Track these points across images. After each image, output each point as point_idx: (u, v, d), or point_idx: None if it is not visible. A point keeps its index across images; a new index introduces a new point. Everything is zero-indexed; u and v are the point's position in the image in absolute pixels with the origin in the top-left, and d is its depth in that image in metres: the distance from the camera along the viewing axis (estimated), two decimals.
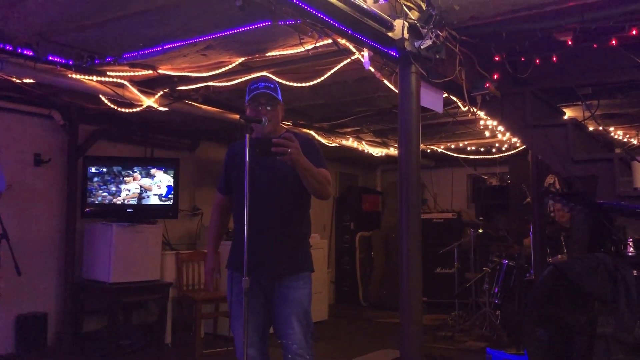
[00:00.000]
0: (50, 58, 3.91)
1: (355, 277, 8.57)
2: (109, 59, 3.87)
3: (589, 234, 3.98)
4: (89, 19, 3.28)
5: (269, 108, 2.65)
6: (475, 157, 7.56)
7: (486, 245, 6.91)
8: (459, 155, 7.44)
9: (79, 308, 5.41)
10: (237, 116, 5.53)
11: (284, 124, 3.15)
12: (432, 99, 3.80)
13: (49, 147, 5.43)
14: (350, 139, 6.95)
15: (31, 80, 4.20)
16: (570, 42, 3.62)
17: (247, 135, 2.37)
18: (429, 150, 7.57)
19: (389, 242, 8.34)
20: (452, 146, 7.45)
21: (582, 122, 4.68)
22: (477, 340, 5.80)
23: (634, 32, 3.25)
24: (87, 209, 5.44)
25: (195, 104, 5.15)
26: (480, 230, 6.76)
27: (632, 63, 3.81)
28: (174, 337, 5.69)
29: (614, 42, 3.50)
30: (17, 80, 4.16)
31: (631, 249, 4.53)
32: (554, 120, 4.40)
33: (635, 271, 4.53)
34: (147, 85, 4.70)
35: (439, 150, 7.55)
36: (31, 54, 3.80)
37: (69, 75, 4.20)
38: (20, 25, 3.33)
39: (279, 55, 3.90)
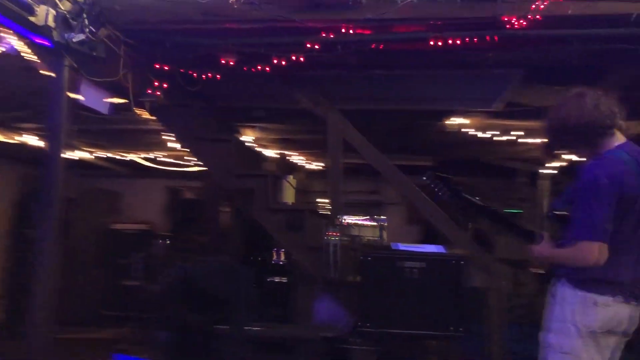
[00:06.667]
0: None
1: None
2: None
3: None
4: None
5: None
6: (170, 169, 7.54)
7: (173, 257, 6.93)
8: (154, 166, 7.35)
9: None
10: None
11: None
12: (94, 99, 3.69)
13: None
14: None
15: None
16: (232, 64, 3.87)
17: None
18: (128, 158, 7.29)
19: None
20: (153, 156, 7.30)
21: (253, 142, 5.08)
22: None
23: (275, 62, 3.63)
24: None
25: None
26: (168, 242, 6.78)
27: (283, 91, 4.26)
28: None
29: (267, 69, 3.82)
30: None
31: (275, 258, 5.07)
32: (218, 135, 4.61)
33: (277, 278, 5.10)
34: None
35: (136, 159, 7.33)
36: None
37: None
38: None
39: None
